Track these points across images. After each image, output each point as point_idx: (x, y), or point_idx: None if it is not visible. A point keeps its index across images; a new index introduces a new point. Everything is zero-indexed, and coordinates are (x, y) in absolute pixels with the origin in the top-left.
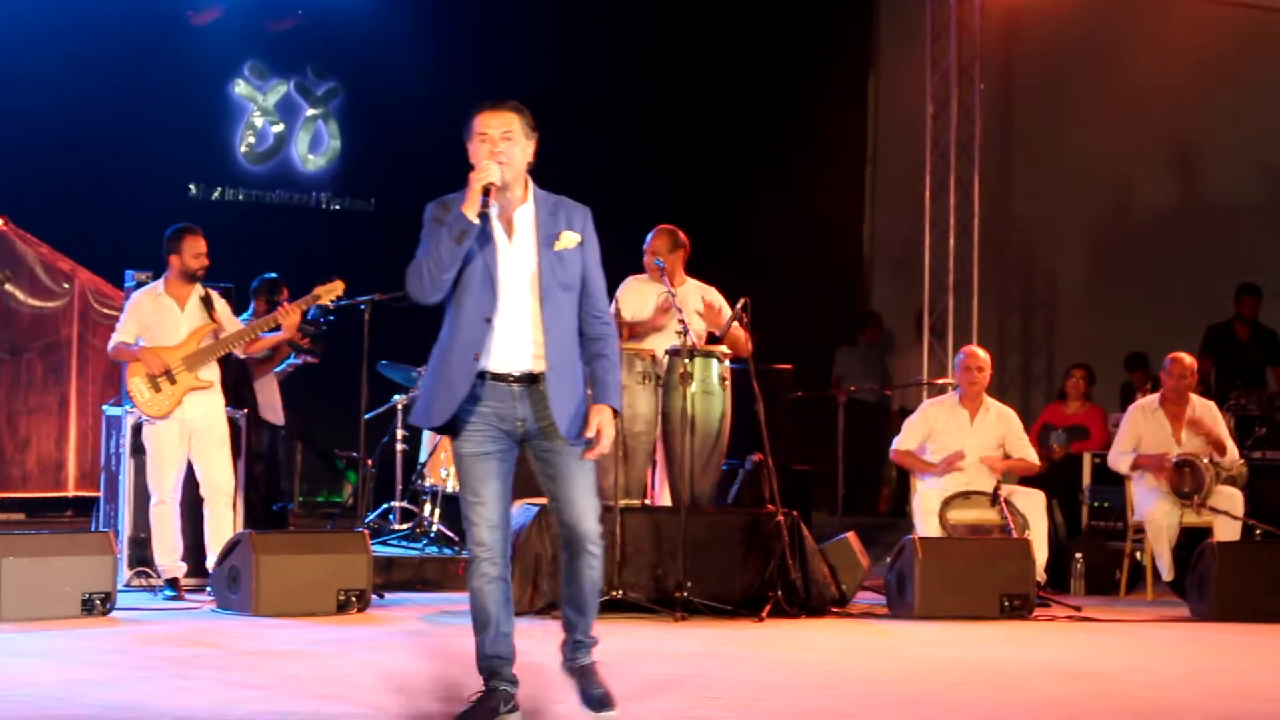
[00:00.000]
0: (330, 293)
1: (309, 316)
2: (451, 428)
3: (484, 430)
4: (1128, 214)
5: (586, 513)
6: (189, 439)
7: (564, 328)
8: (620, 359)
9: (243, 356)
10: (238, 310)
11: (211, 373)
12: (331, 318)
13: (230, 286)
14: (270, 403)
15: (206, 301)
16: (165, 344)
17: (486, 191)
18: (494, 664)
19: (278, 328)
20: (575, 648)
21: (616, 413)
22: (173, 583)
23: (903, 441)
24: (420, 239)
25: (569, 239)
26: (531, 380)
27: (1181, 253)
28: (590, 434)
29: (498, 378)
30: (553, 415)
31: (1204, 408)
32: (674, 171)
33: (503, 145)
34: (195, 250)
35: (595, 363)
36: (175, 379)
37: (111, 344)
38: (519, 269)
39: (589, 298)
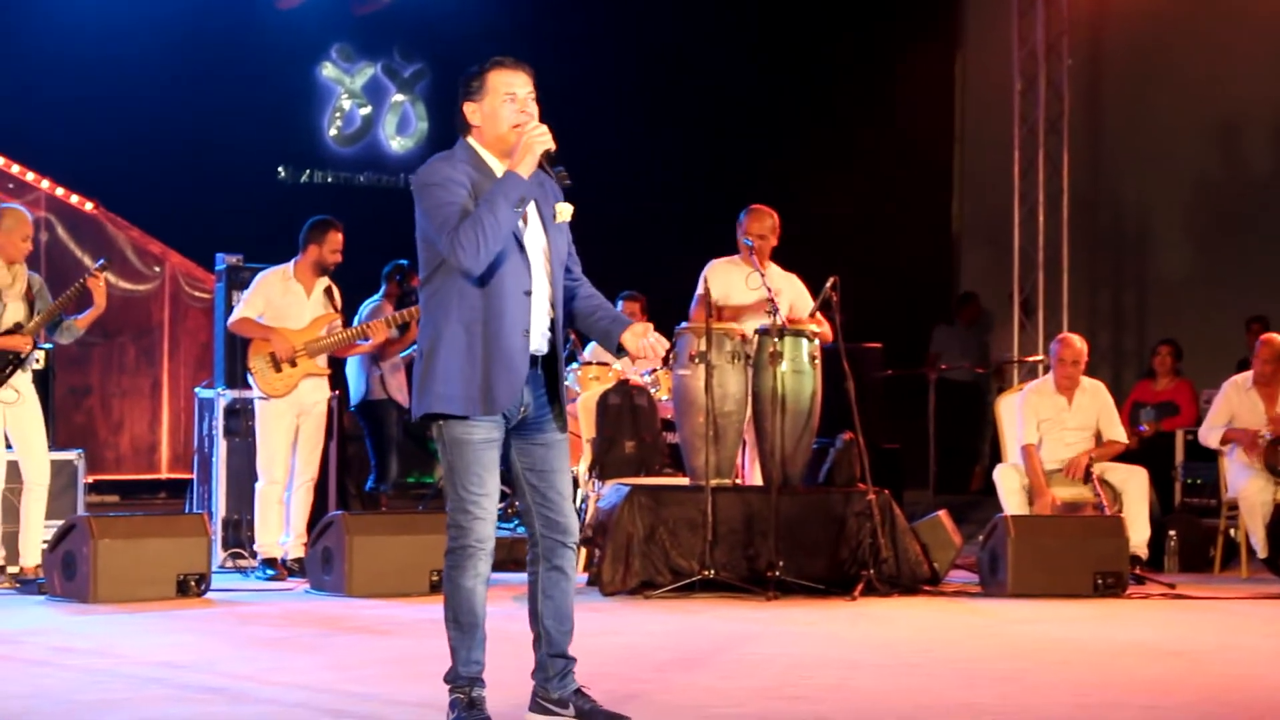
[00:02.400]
0: None
1: None
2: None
3: (497, 416)
4: (1219, 187)
5: (570, 507)
6: (297, 421)
7: (561, 309)
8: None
9: (333, 355)
10: (368, 293)
11: (325, 361)
12: None
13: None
14: (400, 384)
15: (329, 293)
16: (289, 327)
17: (553, 161)
18: (477, 670)
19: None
20: (563, 676)
21: None
22: (270, 563)
23: (1026, 434)
24: (435, 203)
25: (565, 211)
26: (537, 362)
27: (1277, 226)
28: (647, 348)
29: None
30: (559, 401)
31: None
32: (763, 152)
33: (531, 107)
34: (335, 245)
35: (600, 307)
36: (296, 363)
37: (235, 317)
38: (535, 242)
39: (571, 270)
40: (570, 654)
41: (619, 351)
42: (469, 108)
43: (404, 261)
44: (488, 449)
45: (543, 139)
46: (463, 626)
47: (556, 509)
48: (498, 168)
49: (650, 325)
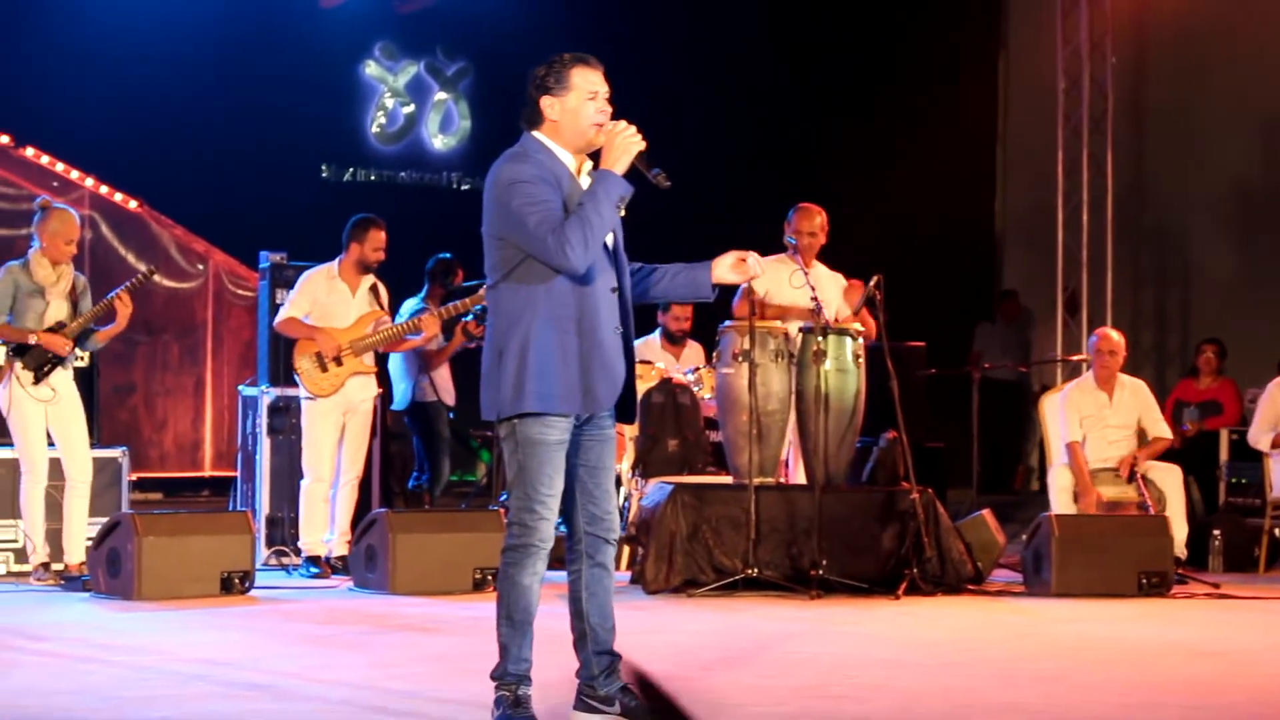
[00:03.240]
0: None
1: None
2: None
3: (572, 416)
4: (1264, 187)
5: (614, 504)
6: (343, 419)
7: (630, 301)
8: (754, 336)
9: (382, 351)
10: (413, 291)
11: (371, 359)
12: None
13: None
14: (445, 386)
15: (374, 290)
16: (334, 325)
17: (648, 163)
18: (525, 668)
19: (419, 331)
20: (609, 673)
21: None
22: (314, 560)
23: (1070, 432)
24: (530, 200)
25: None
26: None
27: None
28: (752, 267)
29: None
30: (629, 397)
31: None
32: (806, 151)
33: (608, 106)
34: (376, 244)
35: (666, 270)
36: (342, 361)
37: (280, 317)
38: (609, 238)
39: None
40: (614, 650)
41: (715, 290)
42: (547, 101)
43: (447, 255)
44: (560, 449)
45: (637, 142)
46: (515, 624)
47: (601, 505)
48: (570, 162)
49: (735, 251)
